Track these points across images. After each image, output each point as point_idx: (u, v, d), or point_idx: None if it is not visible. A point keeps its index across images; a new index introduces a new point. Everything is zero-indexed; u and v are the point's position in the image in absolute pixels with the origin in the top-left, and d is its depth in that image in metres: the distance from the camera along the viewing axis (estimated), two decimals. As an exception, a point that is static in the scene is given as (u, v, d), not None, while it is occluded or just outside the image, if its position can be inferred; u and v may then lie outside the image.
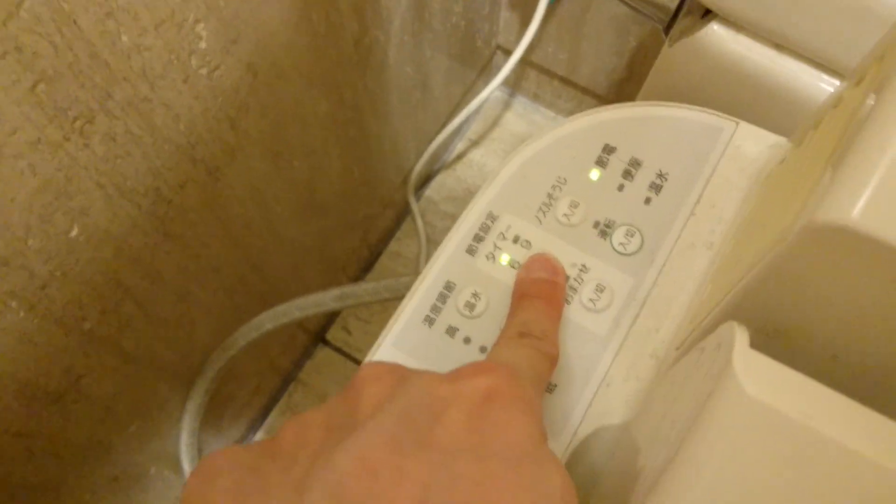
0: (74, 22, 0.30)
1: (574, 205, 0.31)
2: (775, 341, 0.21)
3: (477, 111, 0.92)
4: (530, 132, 0.93)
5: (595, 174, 0.31)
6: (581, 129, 0.32)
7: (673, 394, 0.23)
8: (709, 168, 0.31)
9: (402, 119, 0.72)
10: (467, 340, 0.29)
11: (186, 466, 0.61)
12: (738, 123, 0.32)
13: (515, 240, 0.31)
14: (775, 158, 0.30)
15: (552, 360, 0.26)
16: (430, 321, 0.30)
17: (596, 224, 0.31)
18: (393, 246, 0.88)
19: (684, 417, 0.19)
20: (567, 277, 0.30)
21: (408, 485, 0.17)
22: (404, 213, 0.88)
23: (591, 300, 0.29)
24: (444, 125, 0.82)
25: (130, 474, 0.56)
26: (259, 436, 0.80)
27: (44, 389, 0.40)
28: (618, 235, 0.30)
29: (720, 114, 0.32)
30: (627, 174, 0.31)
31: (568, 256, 0.30)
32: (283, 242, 0.62)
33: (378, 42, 0.58)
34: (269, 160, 0.52)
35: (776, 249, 0.19)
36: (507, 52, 0.83)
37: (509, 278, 0.30)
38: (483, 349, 0.29)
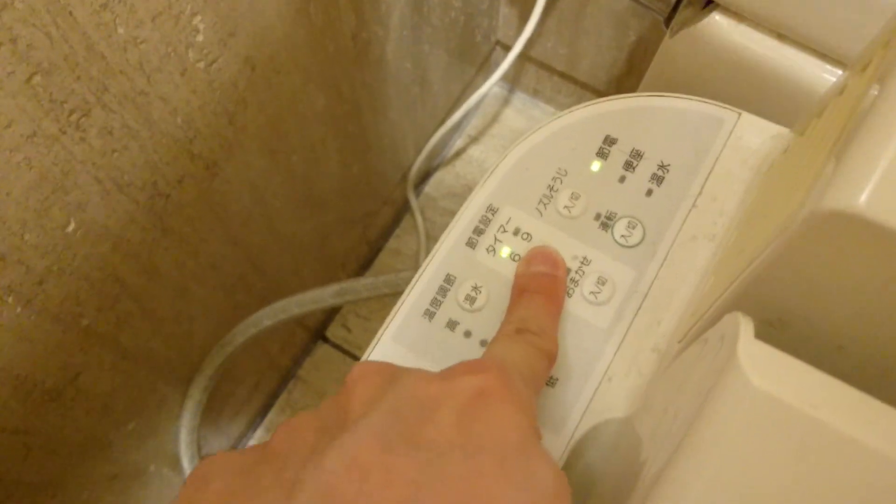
0: (70, 13, 0.30)
1: (575, 197, 0.31)
2: (780, 332, 0.21)
3: (476, 107, 0.92)
4: (530, 128, 0.92)
5: (596, 166, 0.31)
6: (582, 120, 0.32)
7: (675, 386, 0.22)
8: (711, 159, 0.31)
9: (400, 115, 0.72)
10: (468, 334, 0.29)
11: (186, 464, 0.61)
12: (739, 114, 0.31)
13: (516, 232, 0.30)
14: (778, 149, 0.30)
15: (550, 356, 0.26)
16: (430, 315, 0.30)
17: (597, 216, 0.30)
18: (392, 243, 0.88)
19: (688, 410, 0.19)
20: (568, 270, 0.30)
21: (398, 483, 0.17)
22: (403, 209, 0.88)
23: (592, 293, 0.29)
24: (443, 121, 0.81)
25: (129, 472, 0.56)
26: (259, 433, 0.80)
27: (41, 386, 0.40)
28: (619, 227, 0.30)
29: (722, 104, 0.31)
30: (629, 166, 0.31)
31: (569, 249, 0.30)
32: (281, 239, 0.61)
33: (376, 36, 0.58)
34: (267, 156, 0.51)
35: (781, 238, 0.18)
36: (507, 48, 0.82)
37: (510, 271, 0.30)
38: (483, 343, 0.29)
